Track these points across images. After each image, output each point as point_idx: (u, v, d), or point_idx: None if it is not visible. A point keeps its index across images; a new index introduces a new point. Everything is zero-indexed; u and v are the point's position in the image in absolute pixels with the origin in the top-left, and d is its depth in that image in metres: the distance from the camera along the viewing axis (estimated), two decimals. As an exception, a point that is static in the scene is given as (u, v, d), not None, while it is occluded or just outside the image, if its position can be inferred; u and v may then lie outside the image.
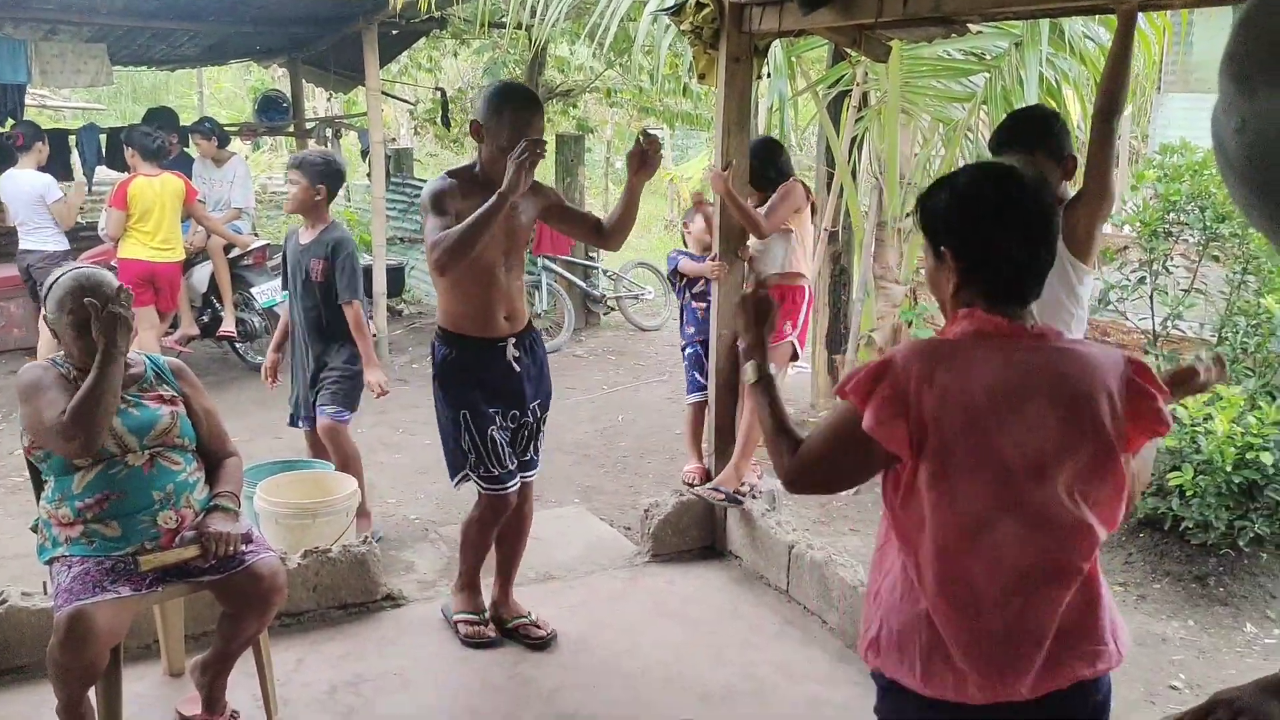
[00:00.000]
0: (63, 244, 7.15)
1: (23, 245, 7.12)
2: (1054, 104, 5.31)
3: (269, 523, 4.06)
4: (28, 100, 8.73)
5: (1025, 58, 5.02)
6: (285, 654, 3.43)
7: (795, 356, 4.82)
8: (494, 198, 3.04)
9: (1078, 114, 5.56)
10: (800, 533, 4.08)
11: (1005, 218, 1.80)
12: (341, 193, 13.16)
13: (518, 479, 3.51)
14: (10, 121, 8.20)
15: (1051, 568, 1.75)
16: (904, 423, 1.74)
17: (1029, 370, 1.77)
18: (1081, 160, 2.92)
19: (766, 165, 4.51)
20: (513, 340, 3.41)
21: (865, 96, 6.00)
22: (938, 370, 1.75)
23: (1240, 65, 0.75)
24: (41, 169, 7.26)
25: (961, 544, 1.75)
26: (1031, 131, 2.87)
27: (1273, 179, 0.74)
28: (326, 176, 4.41)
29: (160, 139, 7.02)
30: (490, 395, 3.40)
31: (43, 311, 2.90)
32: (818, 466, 1.92)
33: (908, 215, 6.08)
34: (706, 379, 4.86)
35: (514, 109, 3.18)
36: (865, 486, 5.37)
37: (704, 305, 4.90)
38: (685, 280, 5.07)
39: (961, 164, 5.82)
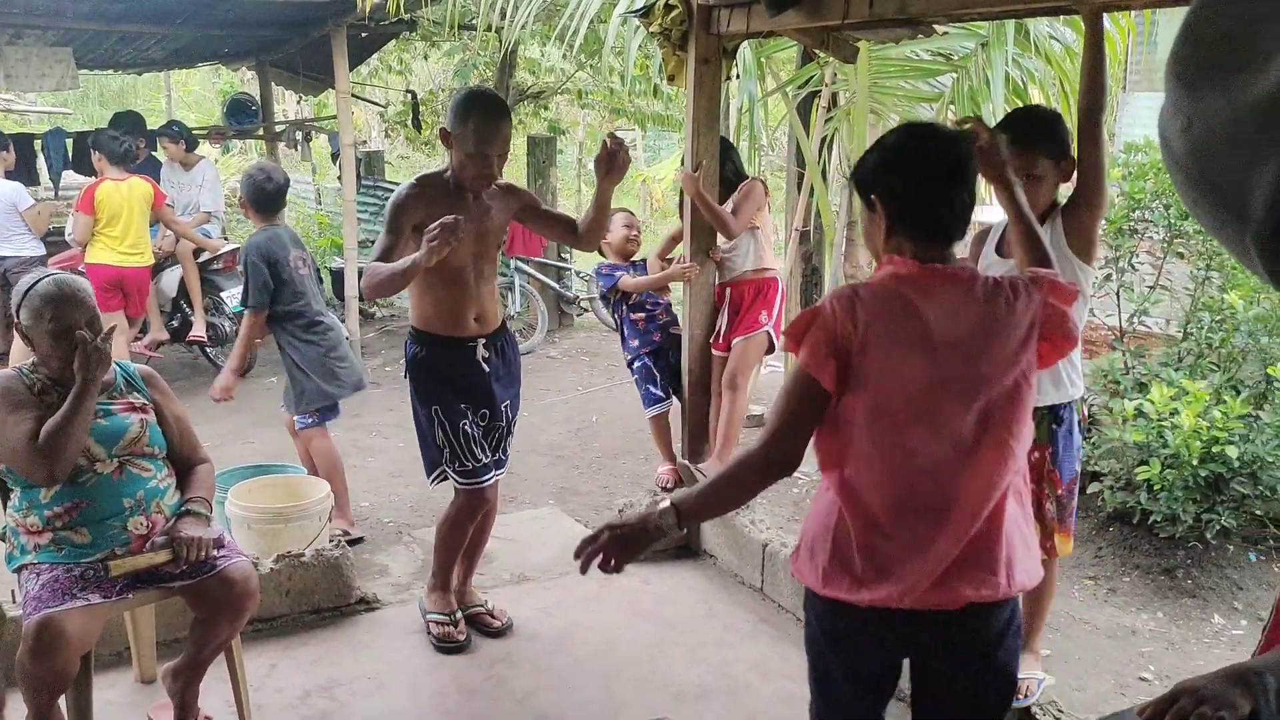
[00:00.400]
0: (39, 249, 7.12)
1: (27, 253, 7.04)
2: (1019, 103, 5.36)
3: (241, 528, 4.04)
4: (-8, 104, 8.63)
5: (991, 58, 5.07)
6: (258, 659, 3.42)
7: (772, 348, 4.86)
8: (408, 263, 3.06)
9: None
10: (774, 531, 4.10)
11: (925, 165, 1.98)
12: (312, 196, 13.07)
13: (493, 474, 3.57)
14: None
15: (983, 485, 1.92)
16: (833, 360, 1.92)
17: (949, 307, 1.93)
18: None
19: (723, 164, 4.52)
20: (483, 341, 3.44)
21: (834, 97, 6.04)
22: (859, 311, 1.92)
23: (1184, 66, 0.77)
24: (9, 175, 7.19)
25: (877, 467, 1.95)
26: (1031, 129, 2.86)
27: (1216, 176, 0.76)
28: (245, 190, 4.62)
29: (127, 143, 6.97)
30: (460, 393, 3.45)
31: (15, 318, 2.85)
32: (785, 428, 2.00)
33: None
34: (660, 388, 4.91)
35: (479, 117, 3.19)
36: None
37: (641, 316, 5.01)
38: (620, 295, 5.06)
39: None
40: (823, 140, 6.08)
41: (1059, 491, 2.90)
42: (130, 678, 3.37)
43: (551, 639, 3.68)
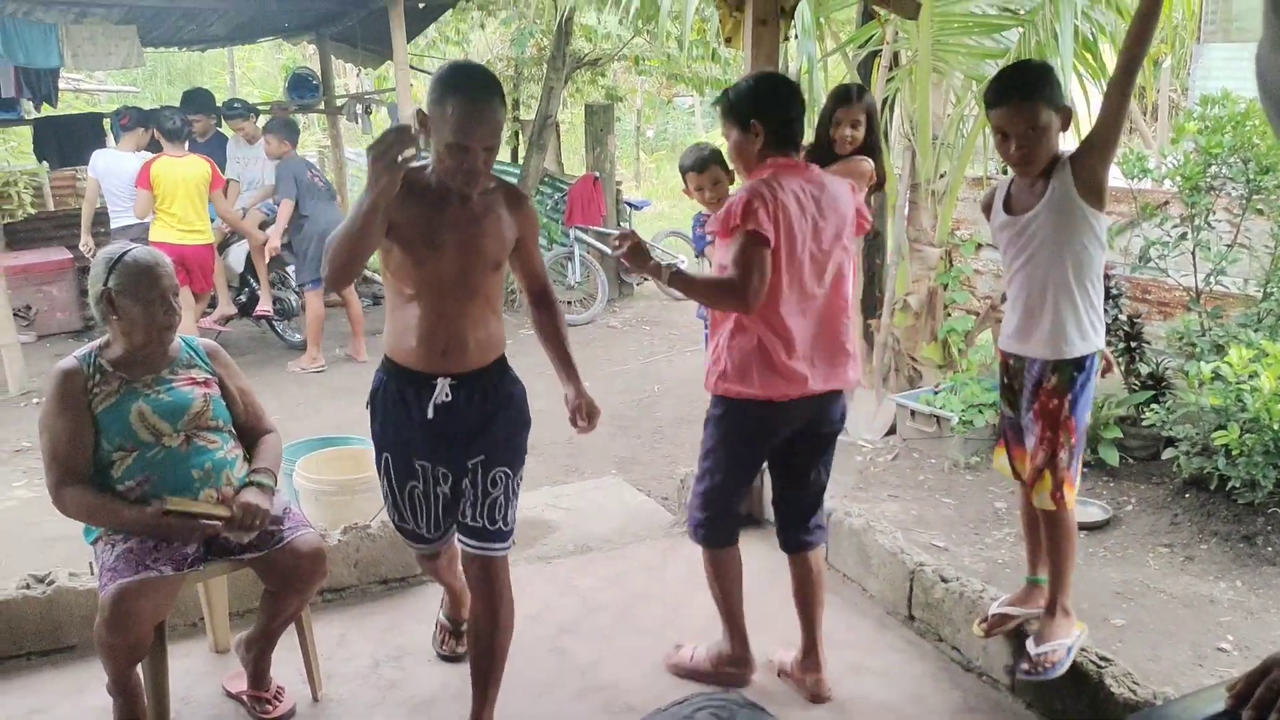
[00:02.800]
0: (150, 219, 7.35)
1: (121, 222, 7.24)
2: (1089, 58, 5.21)
3: (309, 499, 4.09)
4: (62, 84, 8.80)
5: (1060, 11, 4.91)
6: (328, 629, 3.47)
7: None
8: (365, 198, 2.43)
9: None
10: (839, 499, 4.06)
11: (789, 96, 2.94)
12: None
13: (439, 545, 3.00)
14: (38, 105, 8.32)
15: (833, 315, 2.97)
16: (773, 224, 2.77)
17: (813, 192, 2.89)
18: (1091, 108, 2.88)
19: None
20: (448, 381, 2.71)
21: (896, 56, 5.91)
22: (778, 193, 2.80)
23: None
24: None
25: (789, 305, 2.87)
26: (1030, 81, 2.79)
27: None
28: (280, 129, 7.33)
29: (177, 119, 7.15)
30: (414, 443, 2.79)
31: (103, 285, 2.86)
32: (751, 280, 2.77)
33: (942, 175, 5.99)
34: None
35: (458, 99, 2.45)
36: (903, 451, 5.35)
37: None
38: None
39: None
40: (884, 101, 5.96)
41: (1072, 440, 2.84)
42: (205, 647, 3.44)
43: (615, 609, 3.68)
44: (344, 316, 7.73)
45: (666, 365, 7.34)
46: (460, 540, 2.86)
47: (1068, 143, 2.90)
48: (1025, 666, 2.91)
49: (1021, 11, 5.38)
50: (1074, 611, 2.96)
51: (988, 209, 3.01)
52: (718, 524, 3.19)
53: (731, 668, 3.25)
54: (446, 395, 2.71)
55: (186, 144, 7.30)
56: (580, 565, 4.04)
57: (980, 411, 5.22)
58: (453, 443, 2.76)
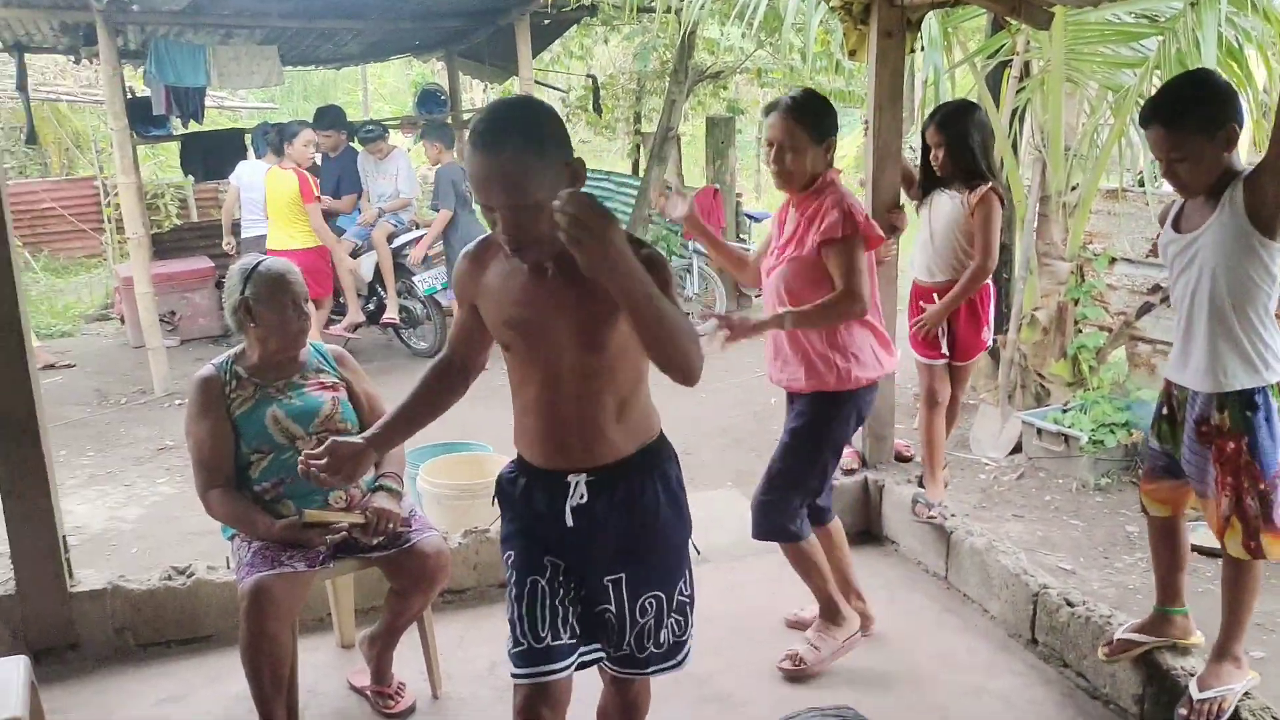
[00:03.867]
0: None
1: (255, 232, 7.68)
2: (1235, 66, 4.98)
3: (431, 503, 4.20)
4: (207, 102, 9.24)
5: (1202, 17, 4.72)
6: (448, 630, 3.55)
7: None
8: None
9: (1263, 77, 5.20)
10: (960, 518, 3.98)
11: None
12: None
13: (565, 665, 2.22)
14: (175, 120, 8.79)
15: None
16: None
17: None
18: (1267, 126, 2.71)
19: (959, 140, 3.97)
20: (583, 479, 2.19)
21: (1027, 66, 5.77)
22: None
23: None
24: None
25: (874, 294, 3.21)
26: (1177, 107, 2.65)
27: None
28: (441, 137, 8.19)
29: (270, 133, 7.73)
30: (541, 539, 2.25)
31: (241, 294, 3.01)
32: (865, 281, 3.07)
33: (1074, 188, 5.82)
34: None
35: (470, 152, 1.95)
36: (1029, 470, 5.20)
37: None
38: None
39: (1133, 133, 5.55)
40: (1014, 112, 5.83)
41: (1260, 485, 2.66)
42: (332, 642, 3.56)
43: (731, 622, 3.67)
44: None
45: (784, 378, 7.29)
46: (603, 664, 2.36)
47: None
48: (1184, 713, 2.76)
49: (1161, 18, 5.19)
50: (1245, 660, 2.82)
51: (1163, 222, 2.89)
52: (804, 512, 3.34)
53: (852, 634, 3.40)
54: (582, 496, 2.19)
55: (271, 154, 7.76)
56: (696, 577, 4.03)
57: (1112, 431, 5.04)
58: (573, 553, 2.25)
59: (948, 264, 4.11)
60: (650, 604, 2.31)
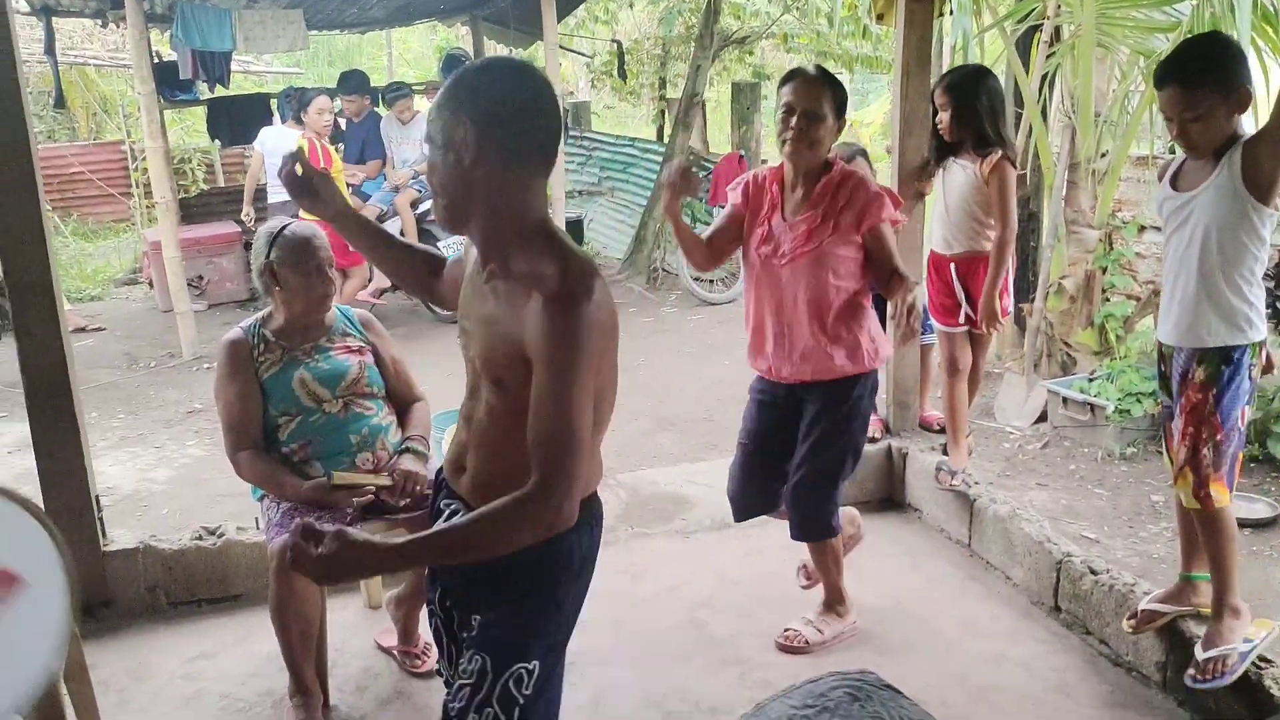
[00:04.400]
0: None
1: (281, 197, 7.71)
2: (1270, 31, 4.90)
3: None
4: (233, 66, 9.26)
5: (1238, -20, 4.64)
6: (473, 591, 3.59)
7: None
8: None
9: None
10: (983, 486, 3.98)
11: None
12: None
13: None
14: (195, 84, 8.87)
15: None
16: None
17: None
18: (1270, 86, 2.71)
19: (972, 104, 3.92)
20: (456, 507, 1.98)
21: (1057, 31, 5.69)
22: None
23: None
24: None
25: None
26: (1194, 66, 2.66)
27: None
28: None
29: (294, 98, 7.85)
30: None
31: (265, 258, 3.04)
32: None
33: (1103, 155, 5.76)
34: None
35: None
36: (1054, 439, 5.19)
37: None
38: None
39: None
40: (1043, 77, 5.76)
41: (1218, 436, 2.70)
42: (359, 602, 3.61)
43: (751, 586, 3.70)
44: None
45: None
46: None
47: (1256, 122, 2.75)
48: (1192, 673, 2.78)
49: (1195, -18, 5.10)
50: (1246, 610, 2.83)
51: (1161, 178, 2.90)
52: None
53: (851, 624, 3.41)
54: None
55: (292, 120, 7.84)
56: (717, 541, 4.06)
57: (1139, 400, 5.01)
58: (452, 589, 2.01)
59: (965, 235, 4.07)
60: (473, 664, 1.86)
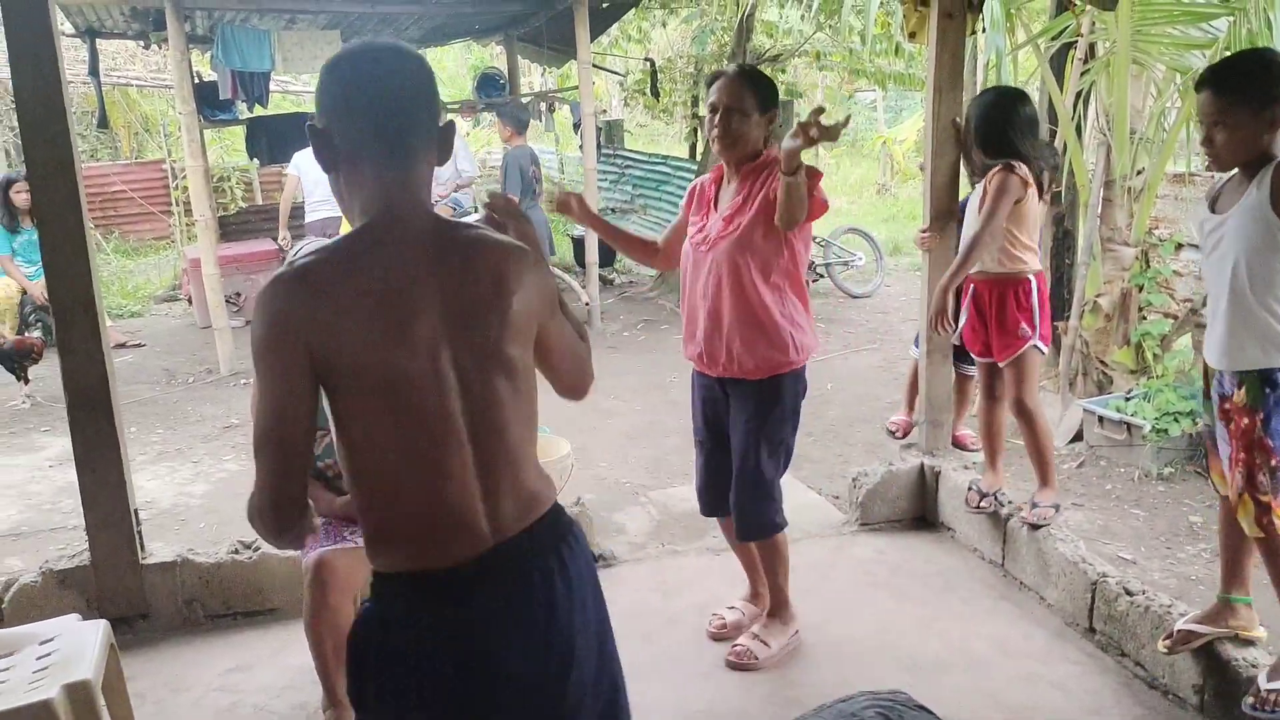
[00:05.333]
0: None
1: (319, 214, 7.89)
2: (1309, 47, 4.85)
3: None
4: (272, 86, 9.39)
5: (1275, -3, 4.61)
6: (505, 607, 3.60)
7: (1043, 354, 3.92)
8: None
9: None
10: (1015, 505, 3.95)
11: None
12: (555, 165, 13.86)
13: None
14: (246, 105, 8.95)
15: None
16: None
17: None
18: None
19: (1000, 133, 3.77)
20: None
21: (1092, 48, 5.68)
22: None
23: None
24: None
25: None
26: (1233, 75, 2.66)
27: None
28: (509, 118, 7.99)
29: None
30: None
31: None
32: None
33: (1139, 172, 5.72)
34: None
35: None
36: (1089, 458, 5.13)
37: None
38: None
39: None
40: (1077, 95, 5.74)
41: (1272, 462, 2.66)
42: (391, 617, 3.63)
43: (783, 604, 3.69)
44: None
45: (841, 363, 7.26)
46: None
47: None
48: (1251, 701, 2.72)
49: (1232, -2, 5.08)
50: None
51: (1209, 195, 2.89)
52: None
53: (796, 630, 3.42)
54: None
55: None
56: (749, 559, 4.05)
57: (1176, 420, 4.96)
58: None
59: (990, 255, 3.83)
60: None
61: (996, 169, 3.69)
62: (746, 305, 3.06)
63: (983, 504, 3.96)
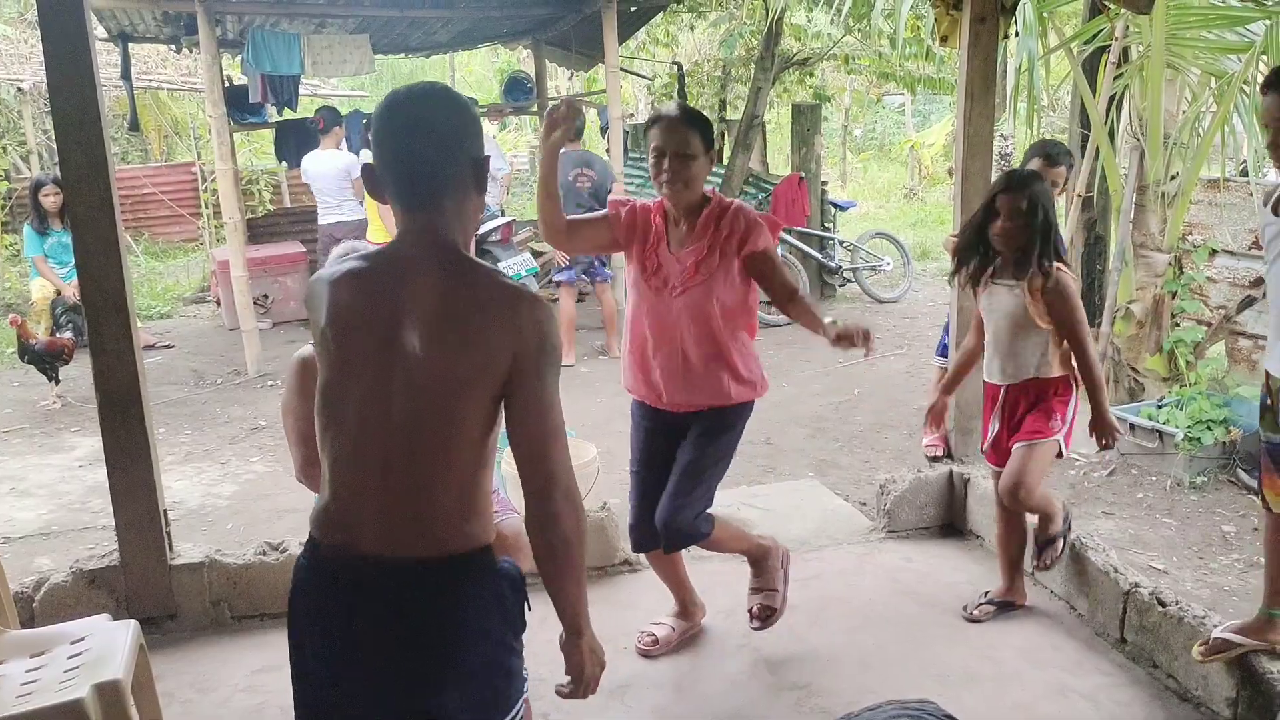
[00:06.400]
0: (363, 214, 7.89)
1: (328, 219, 7.92)
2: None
3: (514, 486, 4.25)
4: (301, 90, 9.46)
5: (1313, 1, 4.55)
6: (531, 611, 3.59)
7: (1060, 456, 3.54)
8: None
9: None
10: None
11: None
12: None
13: None
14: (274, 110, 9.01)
15: None
16: None
17: None
18: None
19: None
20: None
21: (1125, 52, 5.62)
22: None
23: None
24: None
25: None
26: None
27: None
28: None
29: (367, 121, 8.13)
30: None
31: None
32: None
33: (1173, 177, 5.66)
34: None
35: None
36: (1121, 467, 5.08)
37: None
38: None
39: (1236, 121, 5.37)
40: (1110, 99, 5.68)
41: None
42: (417, 620, 3.64)
43: (809, 611, 3.67)
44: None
45: (867, 368, 7.22)
46: None
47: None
48: None
49: (1269, 2, 5.01)
50: None
51: (1267, 204, 2.83)
52: None
53: (781, 553, 3.50)
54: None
55: (327, 140, 8.17)
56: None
57: (1209, 428, 4.90)
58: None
59: (1023, 363, 3.44)
60: None
61: (1039, 276, 3.30)
62: (714, 346, 3.12)
63: (1056, 557, 3.57)
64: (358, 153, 9.60)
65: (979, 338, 3.61)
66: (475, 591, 1.82)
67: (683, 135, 3.01)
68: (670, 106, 3.14)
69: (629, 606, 3.72)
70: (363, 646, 1.76)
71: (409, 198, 1.78)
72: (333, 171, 7.90)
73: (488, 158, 1.82)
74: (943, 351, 5.12)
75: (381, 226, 7.46)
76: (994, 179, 3.70)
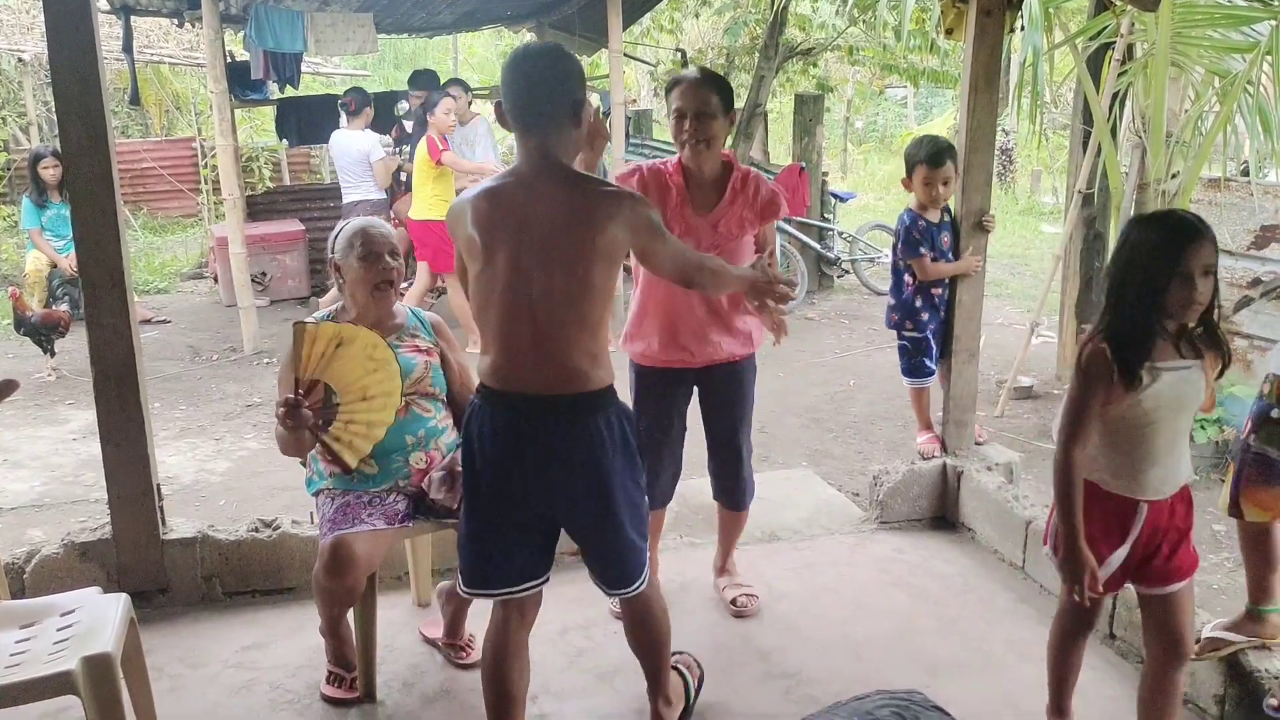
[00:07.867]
0: (381, 194, 7.88)
1: (351, 198, 7.89)
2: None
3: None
4: (304, 68, 9.41)
5: (1320, 2, 4.54)
6: (521, 594, 3.60)
7: None
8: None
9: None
10: (1039, 509, 3.91)
11: None
12: None
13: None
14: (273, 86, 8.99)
15: None
16: None
17: None
18: None
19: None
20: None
21: (1130, 49, 5.61)
22: None
23: None
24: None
25: None
26: None
27: None
28: None
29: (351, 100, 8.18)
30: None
31: (330, 255, 3.13)
32: None
33: (1174, 176, 5.65)
34: (935, 363, 4.69)
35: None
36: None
37: (940, 289, 4.53)
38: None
39: (1239, 121, 5.36)
40: (1114, 96, 5.68)
41: None
42: (408, 600, 3.64)
43: (800, 600, 3.68)
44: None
45: (864, 359, 7.22)
46: None
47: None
48: (1275, 704, 2.69)
49: (1275, 2, 5.00)
50: None
51: None
52: None
53: None
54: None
55: (356, 120, 8.07)
56: (767, 553, 4.05)
57: (1202, 427, 4.91)
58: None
59: (1187, 465, 2.57)
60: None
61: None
62: (733, 301, 3.25)
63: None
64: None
65: (1105, 447, 2.53)
66: (600, 420, 2.42)
67: (703, 95, 3.10)
68: (690, 70, 3.21)
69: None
70: (523, 454, 2.41)
71: (524, 128, 2.38)
72: (354, 152, 7.87)
73: (585, 99, 2.41)
74: (914, 373, 4.81)
75: (422, 205, 7.26)
76: (1127, 220, 3.08)
